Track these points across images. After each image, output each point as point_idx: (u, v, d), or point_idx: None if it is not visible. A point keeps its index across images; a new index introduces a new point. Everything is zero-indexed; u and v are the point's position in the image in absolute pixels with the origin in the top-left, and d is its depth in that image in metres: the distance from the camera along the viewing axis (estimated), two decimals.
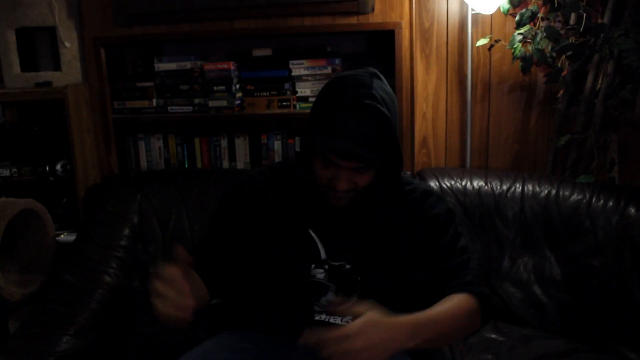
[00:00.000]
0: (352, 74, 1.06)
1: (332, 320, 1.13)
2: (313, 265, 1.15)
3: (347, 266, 1.14)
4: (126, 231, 1.74)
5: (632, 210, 1.51)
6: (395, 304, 1.10)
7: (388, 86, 1.08)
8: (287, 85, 2.11)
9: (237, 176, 1.54)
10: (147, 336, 1.54)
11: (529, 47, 1.88)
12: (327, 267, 1.14)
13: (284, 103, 2.12)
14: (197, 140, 2.23)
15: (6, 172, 2.14)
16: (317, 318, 1.15)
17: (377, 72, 1.07)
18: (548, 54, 1.86)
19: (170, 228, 1.77)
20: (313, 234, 1.15)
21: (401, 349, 0.93)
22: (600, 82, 1.83)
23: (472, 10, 1.92)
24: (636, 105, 1.85)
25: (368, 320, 0.90)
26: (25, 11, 2.08)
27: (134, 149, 2.26)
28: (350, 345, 0.86)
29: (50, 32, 2.12)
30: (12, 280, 1.68)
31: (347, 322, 1.07)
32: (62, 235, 2.08)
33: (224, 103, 2.12)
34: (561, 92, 1.92)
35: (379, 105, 1.01)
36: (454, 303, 1.05)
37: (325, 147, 1.03)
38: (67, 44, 2.12)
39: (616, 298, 1.47)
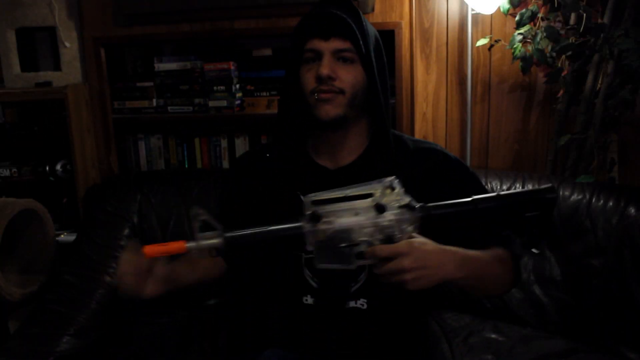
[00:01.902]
0: None
1: (347, 305, 1.07)
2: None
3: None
4: (126, 231, 1.73)
5: (632, 210, 1.51)
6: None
7: None
8: None
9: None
10: (147, 336, 1.54)
11: (529, 47, 1.88)
12: None
13: None
14: (197, 140, 2.23)
15: (6, 172, 2.14)
16: (305, 301, 1.08)
17: None
18: (548, 54, 1.86)
19: (170, 228, 1.77)
20: (303, 198, 1.03)
21: (449, 279, 0.90)
22: (600, 82, 1.83)
23: (472, 10, 1.92)
24: (636, 105, 1.85)
25: (416, 241, 0.87)
26: (25, 11, 2.08)
27: (134, 149, 2.26)
28: (399, 263, 0.85)
29: (50, 32, 2.12)
30: (12, 280, 1.68)
31: (363, 304, 1.06)
32: (62, 235, 2.08)
33: (224, 103, 2.12)
34: (561, 92, 1.92)
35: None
36: (492, 252, 1.00)
37: (301, 30, 1.02)
38: (67, 44, 2.12)
39: (616, 298, 1.47)
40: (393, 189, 0.87)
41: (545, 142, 2.05)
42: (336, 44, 1.01)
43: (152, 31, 2.13)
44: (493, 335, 1.50)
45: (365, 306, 1.06)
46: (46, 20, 2.09)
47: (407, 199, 0.88)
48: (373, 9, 1.98)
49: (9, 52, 2.12)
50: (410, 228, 0.88)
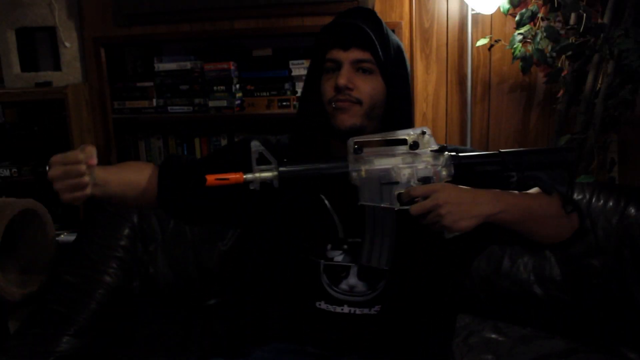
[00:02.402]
0: None
1: (358, 312, 1.04)
2: (329, 246, 1.04)
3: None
4: (126, 231, 1.73)
5: (632, 210, 1.51)
6: (431, 287, 1.05)
7: None
8: (287, 85, 2.11)
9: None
10: (147, 336, 1.54)
11: (529, 47, 1.88)
12: (346, 246, 1.04)
13: (284, 103, 2.12)
14: (197, 140, 2.23)
15: (6, 172, 2.14)
16: (339, 310, 1.05)
17: None
18: (548, 54, 1.86)
19: (170, 228, 1.77)
20: (327, 204, 1.03)
21: (486, 213, 0.90)
22: (600, 82, 1.83)
23: (472, 10, 1.92)
24: (636, 105, 1.85)
25: (447, 184, 0.93)
26: (25, 11, 2.08)
27: (134, 149, 2.26)
28: (434, 199, 0.89)
29: (50, 32, 2.12)
30: (12, 280, 1.68)
31: (376, 311, 1.04)
32: (62, 235, 2.09)
33: (224, 103, 2.12)
34: (561, 92, 1.92)
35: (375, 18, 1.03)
36: (535, 193, 0.99)
37: (322, 40, 1.04)
38: (67, 44, 2.12)
39: (616, 298, 1.47)
40: (424, 133, 0.96)
41: (545, 142, 2.05)
42: (355, 54, 1.01)
43: (152, 31, 2.13)
44: (493, 335, 1.50)
45: (377, 311, 1.05)
46: (46, 20, 2.09)
47: (437, 146, 0.96)
48: (373, 9, 1.98)
49: (9, 52, 2.12)
50: (444, 173, 0.96)
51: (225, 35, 2.14)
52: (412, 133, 0.96)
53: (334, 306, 1.05)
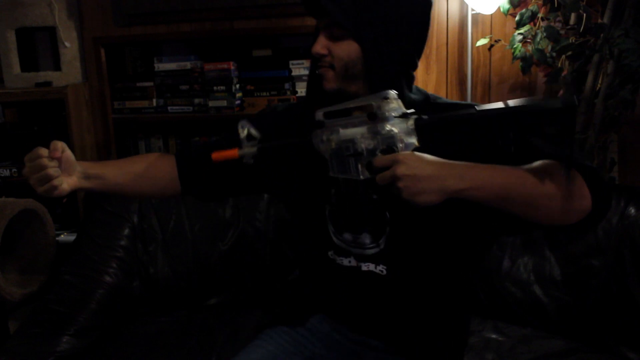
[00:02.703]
0: None
1: (364, 268, 1.05)
2: (333, 190, 1.06)
3: (374, 196, 1.02)
4: (126, 231, 1.73)
5: (632, 210, 1.51)
6: (434, 243, 1.02)
7: None
8: (287, 85, 2.11)
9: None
10: (147, 336, 1.54)
11: (529, 47, 1.88)
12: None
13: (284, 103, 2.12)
14: (197, 140, 2.23)
15: (6, 172, 2.15)
16: (346, 263, 1.07)
17: None
18: (548, 54, 1.86)
19: (170, 228, 1.77)
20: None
21: (450, 190, 0.84)
22: (600, 82, 1.83)
23: (472, 10, 1.92)
24: (636, 105, 1.85)
25: (414, 152, 0.86)
26: (25, 11, 2.08)
27: (134, 149, 2.26)
28: (393, 170, 0.84)
29: (50, 32, 2.12)
30: (12, 280, 1.68)
31: (382, 271, 1.04)
32: (62, 235, 2.09)
33: (224, 103, 2.12)
34: (561, 92, 1.92)
35: None
36: (533, 165, 0.87)
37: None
38: (67, 44, 2.12)
39: (616, 298, 1.47)
40: (387, 99, 0.88)
41: None
42: (326, 21, 1.01)
43: (152, 31, 2.13)
44: (493, 335, 1.50)
45: (384, 272, 1.04)
46: (46, 20, 2.09)
47: (403, 110, 0.88)
48: None
49: (9, 52, 2.12)
50: (411, 140, 0.88)
51: (225, 35, 2.14)
52: (376, 99, 0.89)
53: (340, 257, 1.08)
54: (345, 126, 0.94)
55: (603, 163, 1.93)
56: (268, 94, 2.13)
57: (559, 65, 1.88)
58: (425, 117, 0.87)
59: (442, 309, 1.10)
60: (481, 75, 2.06)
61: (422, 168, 0.84)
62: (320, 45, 1.00)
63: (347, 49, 0.99)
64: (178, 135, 2.24)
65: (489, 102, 2.06)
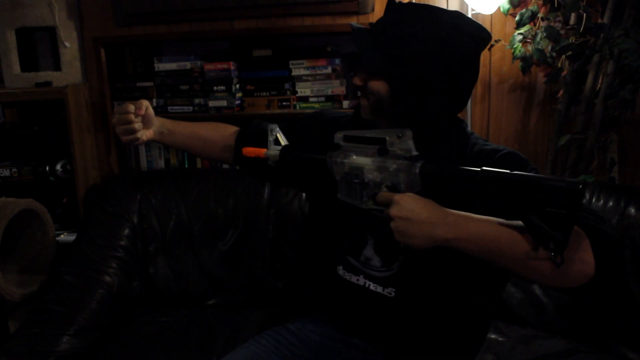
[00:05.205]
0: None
1: (372, 288, 1.08)
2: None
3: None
4: (126, 231, 1.73)
5: (632, 210, 1.51)
6: (447, 274, 1.03)
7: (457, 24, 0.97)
8: (287, 85, 2.11)
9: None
10: (147, 336, 1.54)
11: (529, 47, 1.88)
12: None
13: (284, 103, 2.12)
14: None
15: (6, 172, 2.15)
16: (354, 280, 1.10)
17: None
18: (548, 54, 1.86)
19: (170, 228, 1.77)
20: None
21: (437, 238, 0.85)
22: (600, 82, 1.83)
23: (472, 10, 1.91)
24: (636, 105, 1.85)
25: (412, 194, 0.88)
26: (25, 11, 2.08)
27: (134, 149, 2.26)
28: (388, 210, 0.88)
29: (50, 32, 2.12)
30: (12, 280, 1.68)
31: (390, 293, 1.06)
32: (62, 235, 2.09)
33: (224, 103, 2.12)
34: (561, 92, 1.92)
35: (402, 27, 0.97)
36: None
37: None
38: (67, 44, 2.12)
39: (616, 298, 1.47)
40: (401, 137, 0.90)
41: (545, 142, 2.05)
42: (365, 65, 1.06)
43: (152, 31, 2.13)
44: (493, 336, 1.50)
45: (392, 294, 1.07)
46: (46, 20, 2.09)
47: (413, 152, 0.90)
48: (373, 9, 1.98)
49: (9, 52, 2.12)
50: (415, 183, 0.89)
51: (225, 35, 2.14)
52: (391, 134, 0.92)
53: (350, 274, 1.11)
54: (359, 154, 0.98)
55: (603, 163, 1.93)
56: (268, 94, 2.13)
57: (559, 65, 1.88)
58: (431, 165, 0.89)
59: (448, 334, 1.10)
60: (481, 75, 2.05)
61: (416, 212, 0.86)
62: (358, 78, 1.06)
63: (378, 87, 1.03)
64: None
65: (489, 102, 2.07)
